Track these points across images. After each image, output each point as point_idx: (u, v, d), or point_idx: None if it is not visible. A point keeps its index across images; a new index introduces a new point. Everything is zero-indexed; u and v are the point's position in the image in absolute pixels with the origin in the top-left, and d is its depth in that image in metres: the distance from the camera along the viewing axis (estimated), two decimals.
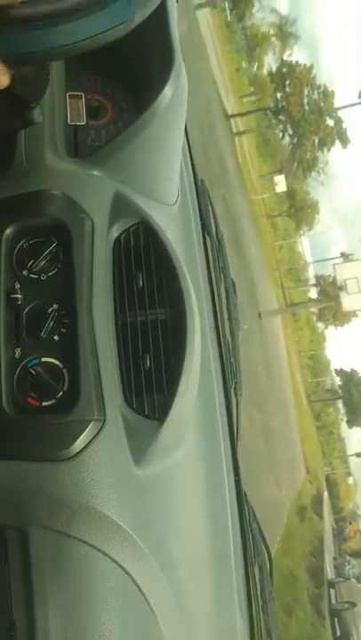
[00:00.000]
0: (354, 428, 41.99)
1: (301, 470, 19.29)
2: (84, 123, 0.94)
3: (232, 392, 1.18)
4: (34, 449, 0.70)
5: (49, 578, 0.68)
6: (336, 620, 11.04)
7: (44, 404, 0.72)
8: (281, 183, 21.47)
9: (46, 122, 0.83)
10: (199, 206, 1.18)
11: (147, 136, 0.85)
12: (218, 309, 1.16)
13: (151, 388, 0.77)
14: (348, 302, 18.63)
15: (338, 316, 29.36)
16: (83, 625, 0.68)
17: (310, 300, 30.84)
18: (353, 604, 11.48)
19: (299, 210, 34.18)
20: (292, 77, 29.13)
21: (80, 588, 0.69)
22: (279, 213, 33.86)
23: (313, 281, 32.04)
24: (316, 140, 30.49)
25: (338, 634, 11.05)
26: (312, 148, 30.81)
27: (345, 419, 40.52)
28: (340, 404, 42.32)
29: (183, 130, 0.97)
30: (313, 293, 32.53)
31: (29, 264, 0.77)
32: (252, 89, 31.38)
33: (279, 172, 26.84)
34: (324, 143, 30.53)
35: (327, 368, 48.03)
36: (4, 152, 0.82)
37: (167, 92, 0.84)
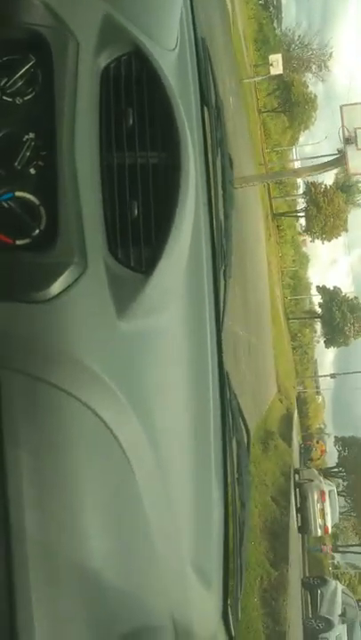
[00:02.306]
0: (328, 349, 43.95)
1: (272, 389, 19.82)
2: None
3: (221, 274, 1.23)
4: (5, 288, 0.70)
5: (19, 420, 0.71)
6: (298, 490, 14.37)
7: (18, 242, 0.72)
8: (277, 64, 18.72)
9: None
10: (198, 67, 1.16)
11: None
12: (212, 185, 1.17)
13: (138, 239, 0.77)
14: (358, 161, 12.43)
15: (326, 230, 29.16)
16: (52, 465, 0.74)
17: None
18: (311, 480, 15.24)
19: (295, 105, 32.44)
20: None
21: (51, 430, 0.73)
22: (273, 109, 32.20)
23: (303, 189, 31.42)
24: None
25: (298, 505, 14.19)
26: None
27: (322, 340, 42.14)
28: (316, 325, 43.76)
29: None
30: (302, 204, 32.12)
31: (2, 84, 0.74)
32: None
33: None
34: None
35: (307, 289, 49.37)
36: None
37: None
